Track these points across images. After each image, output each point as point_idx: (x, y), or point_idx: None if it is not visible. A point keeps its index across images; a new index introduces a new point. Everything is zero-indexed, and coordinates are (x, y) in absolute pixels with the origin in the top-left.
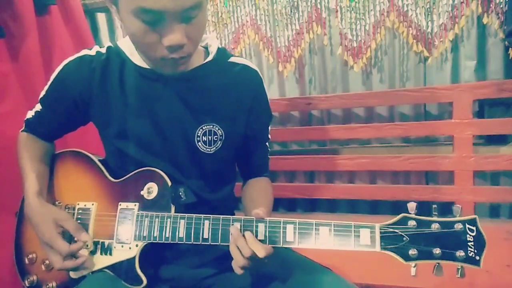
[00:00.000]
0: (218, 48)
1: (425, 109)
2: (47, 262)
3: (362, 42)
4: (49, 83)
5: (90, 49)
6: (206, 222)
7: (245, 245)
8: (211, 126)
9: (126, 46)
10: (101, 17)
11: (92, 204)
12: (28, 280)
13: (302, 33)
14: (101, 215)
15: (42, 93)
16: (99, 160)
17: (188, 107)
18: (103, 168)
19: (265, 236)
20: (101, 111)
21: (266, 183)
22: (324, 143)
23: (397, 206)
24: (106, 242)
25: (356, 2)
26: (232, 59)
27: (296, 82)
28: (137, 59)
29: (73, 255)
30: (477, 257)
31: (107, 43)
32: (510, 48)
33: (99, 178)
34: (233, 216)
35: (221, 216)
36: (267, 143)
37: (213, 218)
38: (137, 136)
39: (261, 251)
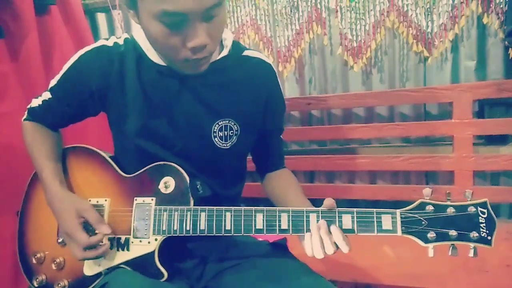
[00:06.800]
0: (233, 41)
1: (425, 109)
2: (57, 261)
3: (362, 42)
4: (62, 72)
5: (107, 39)
6: (228, 213)
7: (330, 242)
8: (227, 121)
9: (142, 40)
10: (101, 17)
11: (105, 200)
12: (37, 280)
13: (302, 33)
14: (115, 210)
15: (53, 82)
16: (109, 156)
17: (204, 103)
18: (113, 164)
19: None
20: (117, 104)
21: (290, 174)
22: (324, 143)
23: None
24: (123, 237)
25: (356, 2)
26: (246, 53)
27: (296, 82)
28: (153, 55)
29: (93, 247)
30: (489, 237)
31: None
32: (510, 48)
33: (111, 174)
34: (256, 208)
35: (243, 207)
36: (281, 136)
37: (235, 209)
38: (153, 131)
39: (345, 248)
